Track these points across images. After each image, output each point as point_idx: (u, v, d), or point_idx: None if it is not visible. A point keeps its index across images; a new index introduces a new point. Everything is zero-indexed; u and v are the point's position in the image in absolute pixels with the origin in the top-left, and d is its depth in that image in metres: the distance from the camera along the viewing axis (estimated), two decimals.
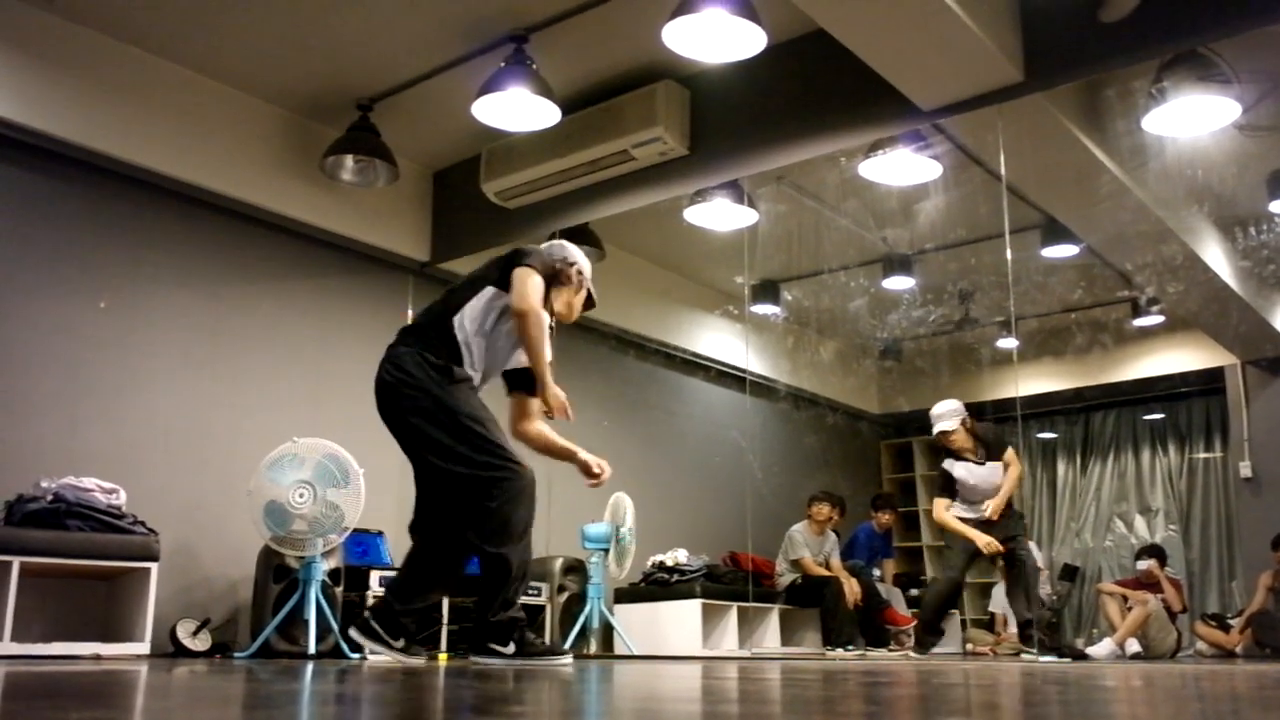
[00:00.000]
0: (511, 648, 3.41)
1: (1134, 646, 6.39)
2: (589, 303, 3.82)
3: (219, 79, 5.28)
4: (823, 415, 8.68)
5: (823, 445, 8.53)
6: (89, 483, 4.44)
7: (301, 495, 4.59)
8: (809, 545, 7.05)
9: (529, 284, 3.42)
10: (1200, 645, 6.96)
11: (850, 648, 6.63)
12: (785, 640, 6.94)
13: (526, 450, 3.65)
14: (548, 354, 3.49)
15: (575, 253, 3.74)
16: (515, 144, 5.48)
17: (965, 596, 7.80)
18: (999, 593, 7.01)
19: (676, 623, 6.35)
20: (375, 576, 5.12)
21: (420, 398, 3.40)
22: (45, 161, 4.85)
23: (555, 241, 3.84)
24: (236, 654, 4.78)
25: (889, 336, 8.29)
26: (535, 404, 3.63)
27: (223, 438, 5.26)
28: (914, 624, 7.36)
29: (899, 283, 7.30)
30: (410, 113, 5.46)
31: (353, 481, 4.66)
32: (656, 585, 6.58)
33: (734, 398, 7.94)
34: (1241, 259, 6.46)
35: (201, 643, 4.79)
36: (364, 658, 3.36)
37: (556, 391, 3.51)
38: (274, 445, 4.69)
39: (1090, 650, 6.42)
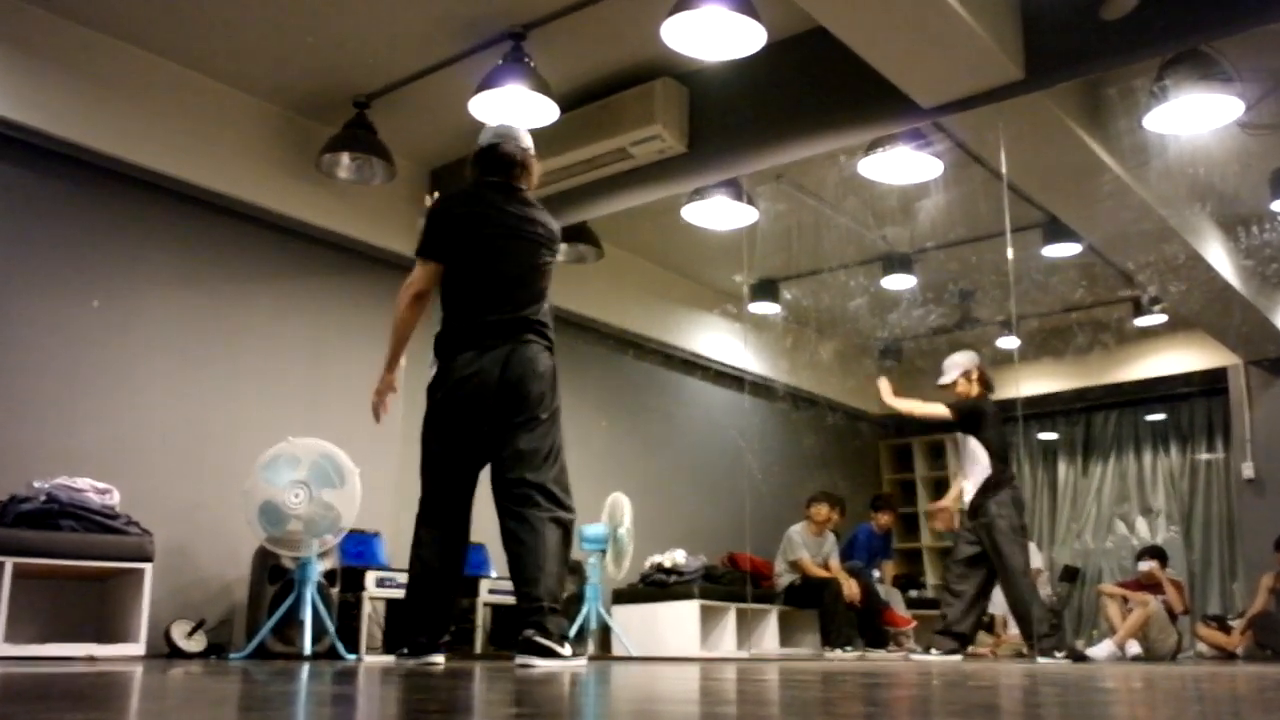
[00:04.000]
0: (568, 649, 3.30)
1: (1134, 648, 6.38)
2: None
3: (215, 76, 5.26)
4: (822, 415, 8.67)
5: (822, 445, 8.52)
6: (82, 483, 4.41)
7: (297, 495, 4.57)
8: (808, 546, 7.03)
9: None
10: (1201, 647, 6.94)
11: (849, 649, 6.61)
12: (784, 641, 6.93)
13: None
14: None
15: (530, 140, 3.78)
16: None
17: None
18: (998, 594, 6.99)
19: (674, 624, 6.33)
20: (371, 577, 5.10)
21: (548, 403, 3.53)
22: (39, 159, 4.83)
23: (515, 130, 3.79)
24: (231, 655, 4.76)
25: (889, 336, 8.27)
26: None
27: (218, 438, 5.24)
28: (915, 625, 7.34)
29: (899, 282, 7.28)
30: (407, 110, 5.44)
31: (348, 482, 4.64)
32: (654, 586, 6.56)
33: (732, 397, 7.92)
34: (1244, 258, 6.45)
35: (196, 644, 4.77)
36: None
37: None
38: (269, 445, 4.67)
39: (1090, 651, 6.40)
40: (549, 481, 3.48)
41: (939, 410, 5.73)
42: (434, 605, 3.57)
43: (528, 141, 3.76)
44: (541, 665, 3.24)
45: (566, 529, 3.49)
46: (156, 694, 2.11)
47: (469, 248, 3.57)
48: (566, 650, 3.28)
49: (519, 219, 3.62)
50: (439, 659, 3.57)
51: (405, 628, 3.64)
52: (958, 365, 5.79)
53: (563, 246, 5.67)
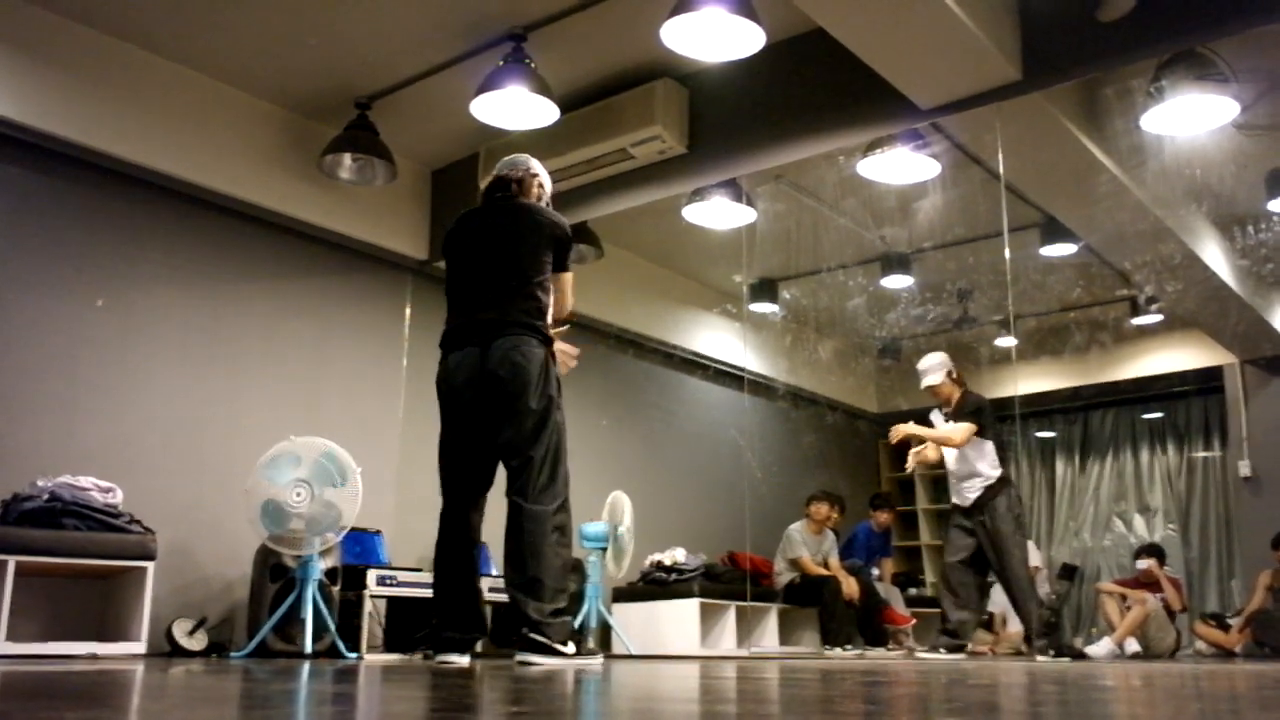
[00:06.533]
0: (572, 647, 3.37)
1: (1133, 646, 6.40)
2: None
3: (217, 77, 5.27)
4: (821, 414, 8.68)
5: (821, 444, 8.53)
6: (86, 481, 4.42)
7: (299, 494, 4.58)
8: (807, 544, 7.05)
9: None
10: (1199, 644, 6.97)
11: (849, 647, 6.63)
12: (783, 640, 6.95)
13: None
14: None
15: (537, 166, 3.98)
16: (514, 142, 5.46)
17: None
18: (998, 592, 7.01)
19: (675, 622, 6.35)
20: (372, 575, 5.11)
21: (540, 395, 3.51)
22: (41, 159, 4.84)
23: (520, 156, 4.01)
24: (233, 653, 4.77)
25: (887, 335, 8.29)
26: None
27: (220, 436, 5.25)
28: (915, 623, 7.36)
29: (897, 281, 7.30)
30: (409, 111, 5.46)
31: (350, 480, 4.65)
32: (655, 585, 6.57)
33: (732, 396, 7.94)
34: (1240, 258, 6.46)
35: (198, 642, 4.78)
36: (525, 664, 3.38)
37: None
38: (271, 444, 4.68)
39: (1089, 650, 6.42)
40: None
41: (965, 428, 5.59)
42: (447, 599, 3.63)
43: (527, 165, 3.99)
44: (532, 660, 3.34)
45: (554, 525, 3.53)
46: (157, 692, 2.12)
47: None
48: (567, 648, 3.33)
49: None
50: (457, 658, 3.56)
51: (433, 622, 3.72)
52: (941, 366, 5.81)
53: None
